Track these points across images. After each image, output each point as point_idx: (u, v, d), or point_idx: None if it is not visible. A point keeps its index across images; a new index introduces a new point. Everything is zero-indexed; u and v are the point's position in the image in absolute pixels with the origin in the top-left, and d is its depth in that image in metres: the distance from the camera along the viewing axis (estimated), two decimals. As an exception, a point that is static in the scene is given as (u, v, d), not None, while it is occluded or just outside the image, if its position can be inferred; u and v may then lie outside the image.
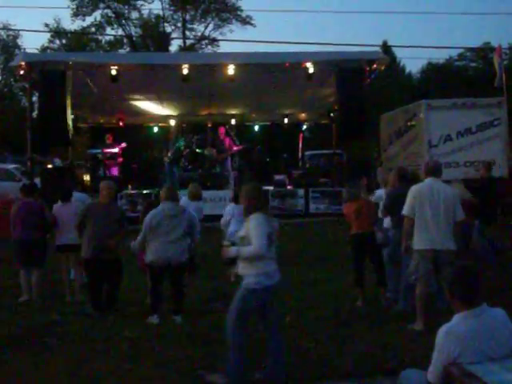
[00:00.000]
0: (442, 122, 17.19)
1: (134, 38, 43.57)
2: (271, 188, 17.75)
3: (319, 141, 26.83)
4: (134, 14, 42.86)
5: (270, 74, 16.89)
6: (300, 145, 21.56)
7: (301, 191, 17.32)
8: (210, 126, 20.91)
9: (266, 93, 18.25)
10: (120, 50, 43.26)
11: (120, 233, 8.08)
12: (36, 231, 8.75)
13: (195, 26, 43.64)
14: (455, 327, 3.58)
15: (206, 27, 43.37)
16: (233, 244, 5.67)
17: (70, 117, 16.24)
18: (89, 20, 42.15)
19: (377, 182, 9.78)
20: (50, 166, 21.77)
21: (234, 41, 63.97)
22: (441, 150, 17.01)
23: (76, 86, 16.21)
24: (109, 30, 43.38)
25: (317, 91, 18.38)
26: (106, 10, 41.99)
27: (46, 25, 42.79)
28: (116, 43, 44.10)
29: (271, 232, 5.50)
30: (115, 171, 19.12)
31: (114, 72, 16.16)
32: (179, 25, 43.02)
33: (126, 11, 42.43)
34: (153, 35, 43.14)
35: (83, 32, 43.19)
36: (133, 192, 17.36)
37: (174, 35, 43.86)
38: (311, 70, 16.55)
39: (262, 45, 33.31)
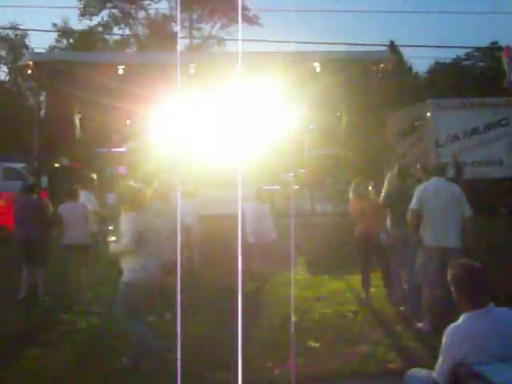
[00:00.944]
0: (450, 121, 17.17)
1: (140, 38, 43.61)
2: (277, 187, 17.72)
3: (326, 140, 26.71)
4: (141, 14, 42.95)
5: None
6: (306, 144, 21.49)
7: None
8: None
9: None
10: (127, 50, 43.32)
11: None
12: (38, 229, 8.74)
13: (202, 26, 43.71)
14: (462, 327, 3.57)
15: (212, 27, 43.41)
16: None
17: (77, 116, 16.26)
18: (96, 20, 42.27)
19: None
20: (57, 166, 21.82)
21: (241, 40, 63.72)
22: (448, 149, 16.97)
23: (83, 86, 16.23)
24: (116, 30, 43.52)
25: (323, 90, 18.31)
26: (113, 10, 42.07)
27: (54, 24, 42.94)
28: (123, 43, 44.15)
29: (143, 230, 5.88)
30: (123, 170, 19.14)
31: (121, 71, 16.18)
32: (186, 24, 43.05)
33: (133, 11, 42.48)
34: (159, 35, 43.15)
35: (90, 31, 43.27)
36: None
37: (180, 35, 43.87)
38: (318, 70, 16.52)
39: (269, 44, 33.27)
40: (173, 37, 42.82)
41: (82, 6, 40.80)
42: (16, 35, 43.12)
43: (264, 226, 10.03)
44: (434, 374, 3.69)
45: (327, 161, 22.36)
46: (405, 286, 7.91)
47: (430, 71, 44.22)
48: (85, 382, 5.61)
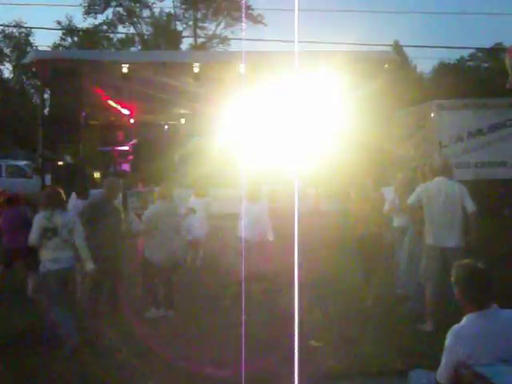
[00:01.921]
0: (453, 122, 17.14)
1: (145, 36, 43.64)
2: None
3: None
4: (146, 13, 42.97)
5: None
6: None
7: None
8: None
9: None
10: (131, 48, 43.36)
11: None
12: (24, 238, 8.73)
13: (206, 25, 43.69)
14: (465, 328, 3.56)
15: (217, 26, 43.40)
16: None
17: (81, 114, 16.30)
18: (100, 18, 42.32)
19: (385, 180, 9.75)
20: (60, 163, 21.85)
21: (245, 39, 63.75)
22: (451, 150, 16.95)
23: (87, 84, 16.27)
24: (120, 28, 43.55)
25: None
26: (117, 8, 42.11)
27: (58, 22, 42.99)
28: (127, 41, 44.18)
29: (50, 227, 6.53)
30: (126, 168, 19.16)
31: (125, 70, 16.22)
32: (190, 23, 43.07)
33: (138, 9, 42.52)
34: (164, 33, 43.20)
35: (95, 30, 43.31)
36: (143, 190, 17.37)
37: (185, 34, 43.92)
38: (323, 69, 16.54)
39: (274, 44, 33.19)
40: (177, 35, 42.87)
41: (86, 5, 40.88)
42: (20, 33, 43.19)
43: (263, 224, 9.99)
44: (437, 374, 3.69)
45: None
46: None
47: (434, 72, 44.15)
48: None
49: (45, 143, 17.14)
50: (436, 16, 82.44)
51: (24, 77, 42.76)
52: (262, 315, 7.58)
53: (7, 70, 44.54)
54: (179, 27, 43.91)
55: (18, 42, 43.19)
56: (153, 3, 42.26)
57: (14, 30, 42.69)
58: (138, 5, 42.21)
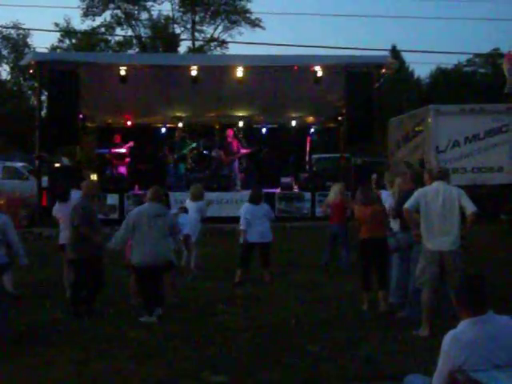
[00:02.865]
0: (450, 127, 17.20)
1: (143, 39, 43.66)
2: (278, 191, 17.73)
3: (326, 144, 26.78)
4: (144, 15, 43.00)
5: (279, 76, 16.92)
6: (307, 148, 21.50)
7: (307, 194, 17.27)
8: (217, 127, 20.90)
9: (275, 95, 18.24)
10: (129, 51, 43.35)
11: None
12: None
13: (204, 28, 43.74)
14: (461, 333, 3.56)
15: (215, 29, 43.46)
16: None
17: (78, 116, 16.29)
18: (99, 20, 42.32)
19: (383, 184, 9.74)
20: (57, 165, 21.82)
21: (243, 43, 64.05)
22: (448, 155, 17.02)
23: (85, 86, 16.27)
24: (118, 31, 43.54)
25: (325, 95, 18.36)
26: (115, 11, 42.11)
27: (56, 24, 42.97)
28: (125, 44, 44.19)
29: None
30: (123, 171, 19.14)
31: (123, 72, 16.24)
32: (189, 26, 43.11)
33: (136, 12, 42.55)
34: (162, 36, 43.23)
35: (93, 32, 43.30)
36: (140, 192, 17.38)
37: (183, 36, 43.97)
38: (320, 74, 16.60)
39: (271, 47, 33.28)
40: (175, 38, 42.90)
41: (84, 7, 40.88)
42: (18, 35, 43.17)
43: (263, 226, 10.03)
44: (432, 380, 3.69)
45: (329, 164, 22.35)
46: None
47: (432, 77, 44.27)
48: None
49: (42, 145, 17.12)
50: (433, 21, 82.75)
51: (21, 78, 42.72)
52: (258, 318, 7.60)
53: (5, 72, 44.58)
54: (177, 30, 44.02)
55: (16, 43, 43.16)
56: (151, 6, 42.35)
57: (12, 31, 42.70)
58: (136, 7, 42.24)
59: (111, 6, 41.60)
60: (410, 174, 8.43)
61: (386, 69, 17.45)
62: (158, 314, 7.55)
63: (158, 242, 7.64)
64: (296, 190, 18.18)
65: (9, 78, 44.46)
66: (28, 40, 43.34)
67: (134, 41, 44.16)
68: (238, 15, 42.75)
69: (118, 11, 42.11)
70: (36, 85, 20.12)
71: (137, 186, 18.03)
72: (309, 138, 21.68)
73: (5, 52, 43.61)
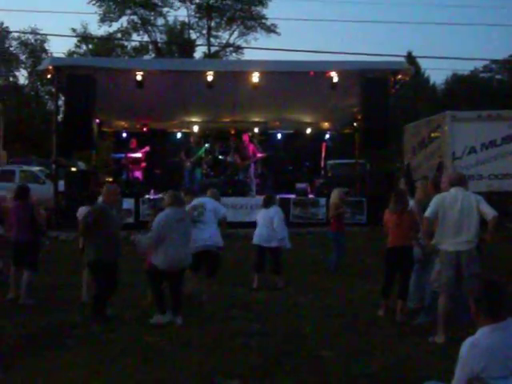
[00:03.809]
0: (467, 133, 17.09)
1: (159, 45, 43.90)
2: (293, 196, 17.72)
3: (342, 150, 26.76)
4: (160, 21, 43.26)
5: (294, 82, 16.95)
6: (323, 154, 21.49)
7: (322, 200, 17.24)
8: (233, 132, 20.96)
9: (290, 101, 18.27)
10: (145, 56, 43.63)
11: None
12: (28, 233, 8.90)
13: (220, 34, 43.91)
14: (480, 340, 3.53)
15: (230, 35, 43.62)
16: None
17: (94, 121, 16.41)
18: (115, 26, 42.70)
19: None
20: (74, 169, 21.97)
21: (258, 48, 64.24)
22: (465, 162, 16.91)
23: (102, 91, 16.39)
24: (135, 36, 43.88)
25: (340, 100, 18.37)
26: (132, 17, 42.42)
27: (73, 30, 43.38)
28: (141, 49, 44.47)
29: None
30: (139, 175, 19.24)
31: (139, 78, 16.34)
32: (204, 32, 43.30)
33: (152, 18, 42.79)
34: (178, 42, 43.44)
35: (109, 38, 43.64)
36: (155, 197, 17.44)
37: (198, 42, 44.17)
38: (335, 79, 16.59)
39: (287, 53, 33.34)
40: (191, 44, 43.09)
41: (101, 12, 41.22)
42: (36, 40, 43.58)
43: (267, 229, 10.01)
44: (450, 387, 3.66)
45: (344, 170, 22.32)
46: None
47: (448, 83, 44.07)
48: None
49: (58, 149, 17.27)
50: (449, 27, 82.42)
51: (39, 83, 43.09)
52: (272, 324, 7.59)
53: (22, 77, 44.99)
54: (193, 36, 44.23)
55: (34, 48, 43.57)
56: (167, 12, 42.60)
57: (30, 36, 43.12)
58: (152, 13, 42.49)
59: (128, 11, 41.89)
60: (431, 181, 8.41)
61: (401, 75, 17.42)
62: (179, 324, 7.56)
63: (181, 246, 7.66)
64: (311, 196, 18.16)
65: (26, 83, 44.91)
66: (45, 45, 43.80)
67: (150, 46, 44.45)
68: (253, 21, 42.87)
69: (134, 17, 42.44)
70: (53, 90, 20.29)
71: (152, 191, 18.11)
72: (324, 144, 21.67)
73: (23, 57, 44.08)
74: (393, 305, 8.00)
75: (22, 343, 6.70)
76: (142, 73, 16.38)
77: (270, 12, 74.15)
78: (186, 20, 43.48)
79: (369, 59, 37.46)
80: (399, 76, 17.36)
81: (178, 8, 42.56)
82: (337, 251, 11.14)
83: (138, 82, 16.35)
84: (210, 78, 16.40)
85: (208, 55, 42.22)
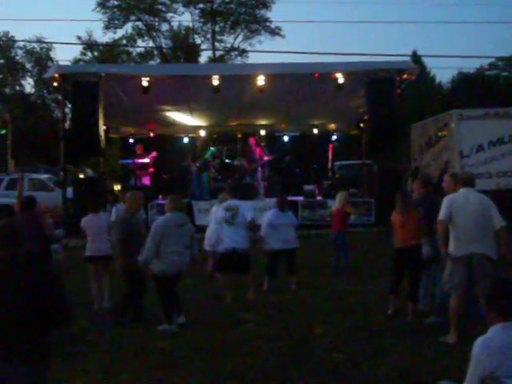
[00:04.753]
0: (474, 132, 17.00)
1: (164, 50, 44.03)
2: (301, 198, 17.70)
3: (349, 151, 26.72)
4: (165, 26, 43.39)
5: (300, 84, 16.95)
6: (330, 155, 21.47)
7: (331, 202, 17.16)
8: (239, 136, 20.97)
9: (296, 103, 18.27)
10: (151, 62, 43.77)
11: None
12: (37, 245, 8.79)
13: (224, 38, 43.99)
14: (492, 339, 3.52)
15: (235, 38, 43.67)
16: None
17: (101, 127, 16.46)
18: (120, 32, 42.88)
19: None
20: (81, 176, 22.06)
21: (263, 52, 64.18)
22: (472, 160, 16.82)
23: (108, 98, 16.44)
24: (139, 42, 44.06)
25: (346, 101, 18.34)
26: (136, 23, 42.56)
27: (79, 37, 43.53)
28: (146, 55, 44.62)
29: None
30: (146, 181, 19.27)
31: (145, 83, 16.36)
32: (209, 36, 43.38)
33: (157, 23, 42.93)
34: (183, 47, 43.55)
35: (114, 44, 43.80)
36: (163, 202, 17.45)
37: (203, 46, 44.25)
38: (341, 81, 16.56)
39: (292, 55, 33.29)
40: (196, 48, 43.20)
41: (106, 19, 41.39)
42: (41, 48, 43.78)
43: (288, 233, 10.08)
44: (463, 386, 3.65)
45: (352, 171, 22.28)
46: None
47: (454, 81, 43.92)
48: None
49: (66, 157, 17.33)
50: (454, 25, 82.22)
51: (45, 91, 43.28)
52: (283, 327, 7.58)
53: (29, 85, 45.19)
54: (198, 40, 44.32)
55: (40, 57, 43.77)
56: (171, 17, 42.72)
57: (36, 45, 43.33)
58: (156, 19, 42.62)
59: (132, 18, 42.06)
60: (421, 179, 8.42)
61: (407, 74, 17.37)
62: (182, 322, 7.58)
63: (182, 252, 7.66)
64: (319, 198, 18.14)
65: (33, 91, 45.11)
66: (51, 53, 43.98)
67: (155, 52, 44.58)
68: (257, 24, 42.91)
69: (138, 23, 42.60)
70: (60, 97, 20.39)
71: (160, 196, 18.13)
72: (331, 146, 21.66)
73: (29, 66, 44.28)
74: (402, 305, 7.97)
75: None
76: (147, 78, 16.41)
77: (274, 15, 74.10)
78: (191, 25, 43.63)
79: (374, 59, 37.38)
80: (405, 75, 17.31)
81: (182, 13, 42.71)
82: (345, 253, 11.13)
83: (144, 87, 16.38)
84: (215, 81, 16.42)
85: (213, 59, 42.30)
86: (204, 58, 45.19)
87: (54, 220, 16.57)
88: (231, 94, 17.03)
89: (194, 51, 43.44)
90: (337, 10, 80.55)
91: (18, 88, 44.50)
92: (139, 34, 43.05)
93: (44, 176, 22.42)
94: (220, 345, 6.83)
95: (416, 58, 38.08)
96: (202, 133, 21.05)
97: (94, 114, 15.94)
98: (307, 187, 18.38)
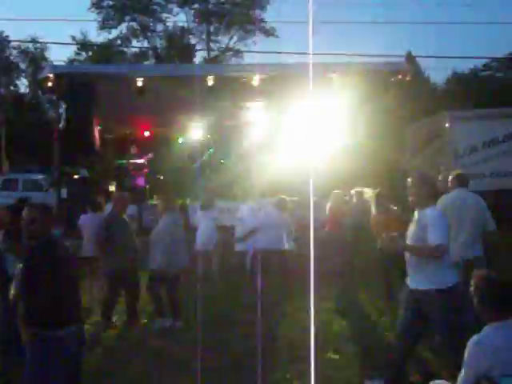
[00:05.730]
0: (468, 132, 17.05)
1: (158, 50, 43.98)
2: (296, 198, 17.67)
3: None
4: (159, 27, 43.36)
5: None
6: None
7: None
8: (235, 136, 20.91)
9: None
10: (145, 62, 43.71)
11: None
12: None
13: (219, 38, 44.00)
14: (486, 338, 3.54)
15: (230, 39, 43.67)
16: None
17: (96, 128, 16.41)
18: (114, 32, 42.80)
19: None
20: (76, 177, 21.99)
21: (258, 52, 64.19)
22: (467, 160, 16.86)
23: (102, 98, 16.39)
24: (134, 43, 43.98)
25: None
26: (131, 23, 42.52)
27: (73, 37, 43.45)
28: (141, 55, 44.56)
29: None
30: (141, 182, 19.23)
31: (139, 83, 16.31)
32: (204, 37, 43.38)
33: (151, 24, 42.89)
34: (177, 47, 43.53)
35: (109, 44, 43.74)
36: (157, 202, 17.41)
37: (198, 47, 44.23)
38: (334, 81, 16.52)
39: (286, 56, 33.33)
40: (190, 49, 43.18)
41: (101, 19, 41.34)
42: (36, 48, 43.69)
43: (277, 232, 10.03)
44: (457, 385, 3.66)
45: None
46: None
47: (448, 82, 44.04)
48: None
49: (60, 157, 17.28)
50: (448, 26, 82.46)
51: (40, 91, 43.20)
52: (278, 327, 7.59)
53: (23, 85, 45.10)
54: (192, 41, 44.30)
55: (34, 57, 43.68)
56: (166, 17, 42.70)
57: (30, 45, 43.25)
58: (151, 19, 42.59)
59: (127, 18, 42.01)
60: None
61: (401, 75, 17.37)
62: (178, 328, 7.59)
63: (177, 251, 7.70)
64: (316, 198, 18.10)
65: (27, 91, 45.00)
66: (46, 53, 43.90)
67: (150, 52, 44.52)
68: (252, 25, 42.91)
69: (133, 23, 42.54)
70: (54, 97, 20.33)
71: (155, 197, 18.09)
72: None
73: (23, 66, 44.19)
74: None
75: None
76: (142, 78, 16.35)
77: (269, 15, 74.19)
78: (186, 25, 43.61)
79: (368, 60, 37.43)
80: (399, 76, 17.31)
81: (177, 14, 42.72)
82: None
83: (138, 87, 16.32)
84: (210, 82, 16.37)
85: (208, 60, 42.29)
86: (199, 58, 45.24)
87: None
88: (226, 94, 16.98)
89: (189, 52, 43.43)
90: (329, 10, 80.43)
91: (12, 88, 44.41)
92: (134, 34, 43.00)
93: (38, 176, 22.38)
94: (216, 344, 6.84)
95: (410, 58, 38.11)
96: (198, 133, 21.01)
97: (88, 115, 15.89)
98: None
